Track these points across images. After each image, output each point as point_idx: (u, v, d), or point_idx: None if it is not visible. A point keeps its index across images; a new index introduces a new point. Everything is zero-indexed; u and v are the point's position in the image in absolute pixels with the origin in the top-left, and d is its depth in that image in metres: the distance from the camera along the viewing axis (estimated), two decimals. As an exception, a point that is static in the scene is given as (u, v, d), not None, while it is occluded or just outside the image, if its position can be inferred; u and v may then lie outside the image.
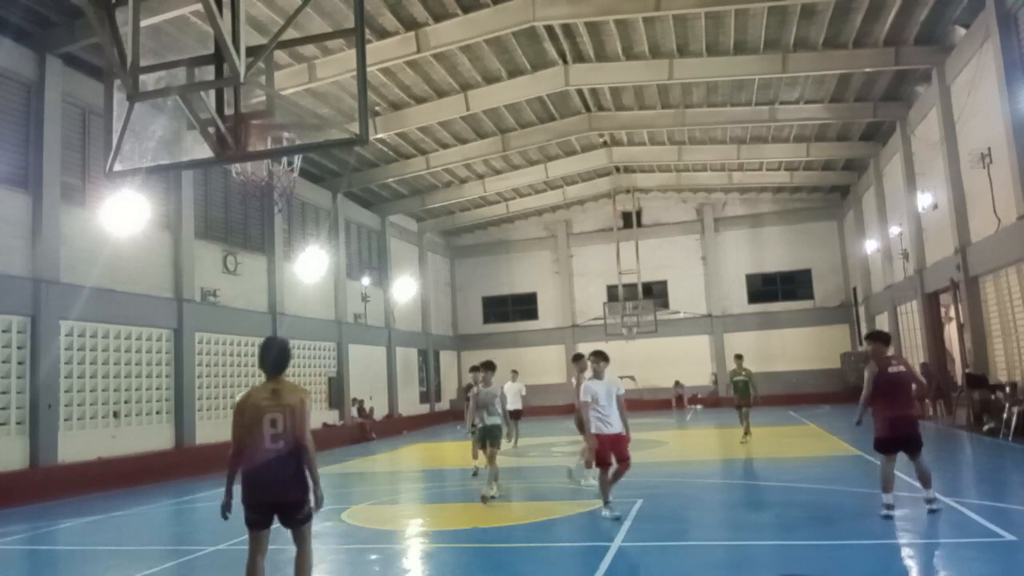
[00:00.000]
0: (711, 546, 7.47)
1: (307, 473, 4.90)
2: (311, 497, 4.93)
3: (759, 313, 33.27)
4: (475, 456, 12.55)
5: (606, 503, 8.48)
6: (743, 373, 16.58)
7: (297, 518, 4.91)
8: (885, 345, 8.25)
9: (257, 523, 4.90)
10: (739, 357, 17.04)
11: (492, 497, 9.91)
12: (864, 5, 16.64)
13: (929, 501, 7.74)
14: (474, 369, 12.27)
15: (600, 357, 8.71)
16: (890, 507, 7.70)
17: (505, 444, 11.01)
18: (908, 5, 16.67)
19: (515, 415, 17.13)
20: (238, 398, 5.02)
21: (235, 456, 4.92)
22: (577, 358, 12.14)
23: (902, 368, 7.98)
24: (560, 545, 7.90)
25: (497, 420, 10.39)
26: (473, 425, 11.15)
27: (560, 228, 36.15)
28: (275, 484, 4.80)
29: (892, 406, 7.74)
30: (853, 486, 10.18)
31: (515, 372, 18.88)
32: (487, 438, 10.33)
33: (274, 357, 5.03)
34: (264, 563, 4.98)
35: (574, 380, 12.17)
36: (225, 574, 7.28)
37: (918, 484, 7.96)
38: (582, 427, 11.52)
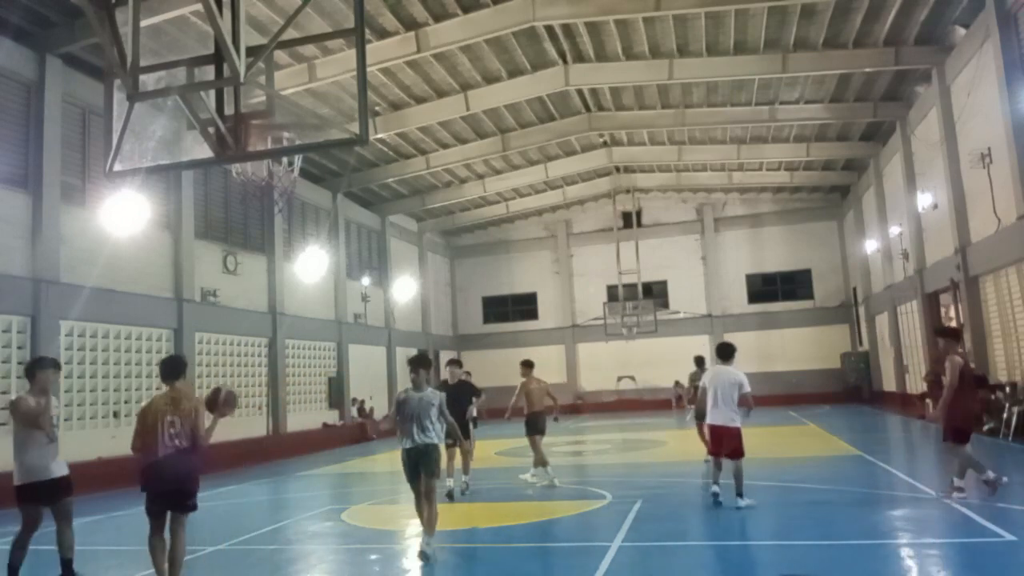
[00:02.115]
0: (711, 546, 7.46)
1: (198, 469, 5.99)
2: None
3: (759, 313, 33.27)
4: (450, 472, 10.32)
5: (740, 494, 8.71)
6: None
7: (186, 505, 5.95)
8: (958, 341, 8.84)
9: (156, 512, 5.87)
10: (701, 359, 14.92)
11: (426, 555, 6.84)
12: (864, 5, 16.64)
13: (990, 482, 8.28)
14: (449, 363, 11.62)
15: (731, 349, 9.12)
16: (992, 475, 8.27)
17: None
18: (908, 5, 16.67)
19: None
20: (142, 405, 6.05)
21: (142, 456, 5.92)
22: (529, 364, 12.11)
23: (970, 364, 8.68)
24: (560, 545, 7.90)
25: (433, 439, 7.11)
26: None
27: (560, 228, 36.16)
28: (175, 476, 5.83)
29: (971, 399, 8.38)
30: (853, 486, 10.18)
31: (468, 374, 14.96)
32: (420, 465, 7.03)
33: (168, 369, 6.05)
34: (164, 540, 5.88)
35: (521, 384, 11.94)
36: (225, 574, 7.29)
37: (955, 478, 8.57)
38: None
